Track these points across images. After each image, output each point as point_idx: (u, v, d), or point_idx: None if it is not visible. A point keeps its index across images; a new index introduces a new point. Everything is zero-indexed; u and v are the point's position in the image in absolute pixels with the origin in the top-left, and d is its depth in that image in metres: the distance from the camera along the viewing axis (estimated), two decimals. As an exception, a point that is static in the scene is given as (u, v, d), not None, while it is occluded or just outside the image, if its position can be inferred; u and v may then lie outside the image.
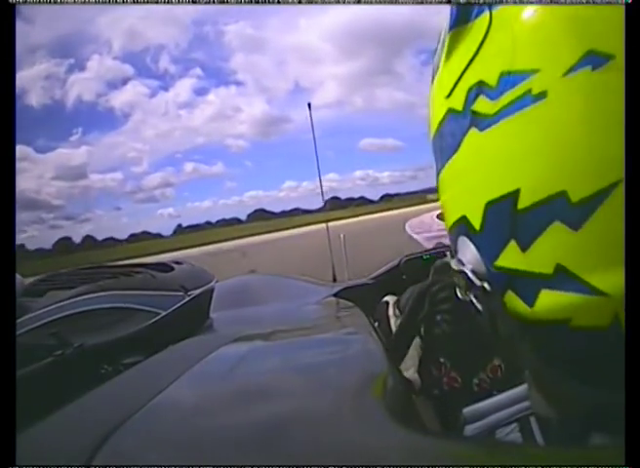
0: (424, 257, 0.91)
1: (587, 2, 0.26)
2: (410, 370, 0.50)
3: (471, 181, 0.29)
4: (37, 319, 0.64)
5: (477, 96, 0.27)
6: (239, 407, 0.31)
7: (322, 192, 2.39)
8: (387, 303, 0.70)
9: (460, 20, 0.29)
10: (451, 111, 0.30)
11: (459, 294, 0.33)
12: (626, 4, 0.24)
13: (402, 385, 0.37)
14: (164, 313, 0.72)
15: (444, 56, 0.32)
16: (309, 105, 2.24)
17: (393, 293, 0.73)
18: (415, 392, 0.47)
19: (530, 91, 0.24)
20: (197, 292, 0.81)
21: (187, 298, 0.77)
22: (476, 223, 0.29)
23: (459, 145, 0.29)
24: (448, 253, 0.43)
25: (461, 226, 0.31)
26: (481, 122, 0.27)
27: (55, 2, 0.29)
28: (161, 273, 0.83)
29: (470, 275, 0.30)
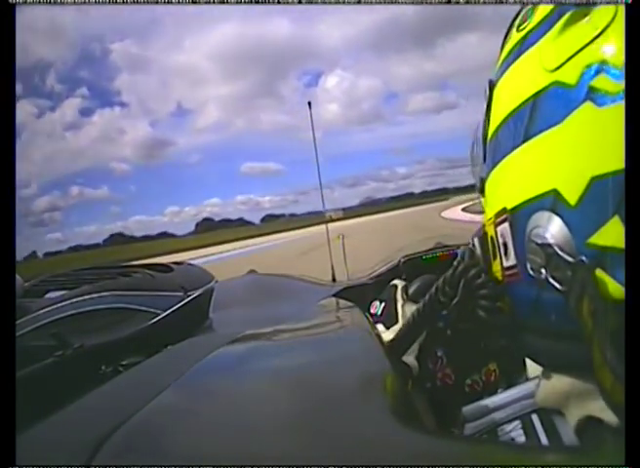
0: (424, 257, 0.91)
1: (587, 2, 0.26)
2: (410, 355, 0.50)
3: (575, 155, 0.29)
4: (37, 320, 0.64)
5: (598, 73, 0.27)
6: (239, 406, 0.31)
7: (322, 197, 2.37)
8: (396, 287, 0.70)
9: (585, 3, 0.30)
10: (558, 83, 0.30)
11: (530, 272, 0.32)
12: (626, 4, 0.24)
13: (399, 370, 0.36)
14: (164, 313, 0.72)
15: (554, 31, 0.32)
16: (310, 104, 2.23)
17: (404, 279, 0.73)
18: (410, 378, 0.47)
19: None
20: (197, 292, 0.81)
21: (187, 299, 0.77)
22: (572, 198, 0.29)
23: (563, 118, 0.29)
24: (475, 240, 0.42)
25: (547, 201, 0.31)
26: (600, 98, 0.27)
27: (55, 2, 0.29)
28: (160, 274, 0.83)
29: (557, 250, 0.30)
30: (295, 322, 0.61)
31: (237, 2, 0.29)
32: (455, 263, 0.44)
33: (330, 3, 0.30)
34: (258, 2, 0.29)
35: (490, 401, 0.39)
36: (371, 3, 0.29)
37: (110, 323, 0.68)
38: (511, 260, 0.36)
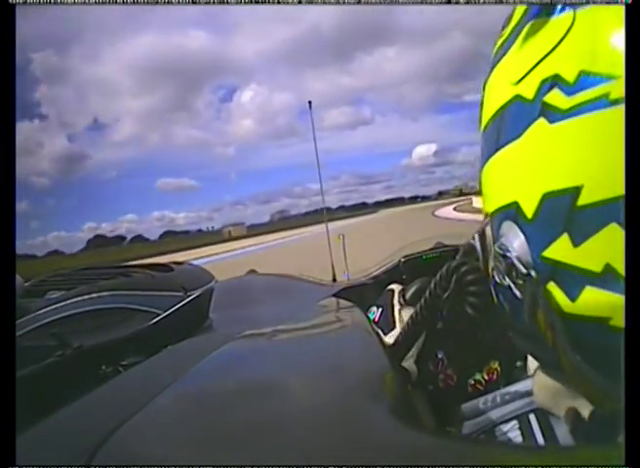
0: (424, 257, 0.91)
1: (587, 2, 0.26)
2: (409, 360, 0.50)
3: (530, 170, 0.29)
4: (37, 320, 0.64)
5: (551, 88, 0.28)
6: (239, 406, 0.31)
7: (322, 197, 2.38)
8: (393, 291, 0.70)
9: (544, 13, 0.29)
10: (519, 98, 0.31)
11: (496, 278, 0.33)
12: (626, 4, 0.24)
13: (399, 375, 0.37)
14: (164, 313, 0.72)
15: (518, 42, 0.32)
16: (310, 104, 2.24)
17: (400, 283, 0.73)
18: (410, 382, 0.47)
19: (608, 94, 0.25)
20: (197, 292, 0.81)
21: (187, 299, 0.77)
22: (529, 212, 0.29)
23: (521, 132, 0.29)
24: (476, 236, 0.42)
25: (510, 212, 0.31)
26: (552, 115, 0.27)
27: (55, 2, 0.29)
28: (161, 273, 0.83)
29: (515, 261, 0.30)
30: (295, 322, 0.61)
31: (237, 2, 0.29)
32: (450, 260, 0.44)
33: (330, 3, 0.30)
34: (257, 2, 0.29)
35: (488, 398, 0.39)
36: (371, 3, 0.29)
37: (110, 323, 0.68)
38: (492, 261, 0.36)
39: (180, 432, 0.27)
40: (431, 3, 0.29)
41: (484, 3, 0.28)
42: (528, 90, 0.30)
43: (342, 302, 0.77)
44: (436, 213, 26.19)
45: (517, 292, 0.31)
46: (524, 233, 0.30)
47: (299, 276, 1.28)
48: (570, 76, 0.27)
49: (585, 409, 0.31)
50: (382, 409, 0.28)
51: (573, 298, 0.27)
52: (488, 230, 0.39)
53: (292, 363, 0.41)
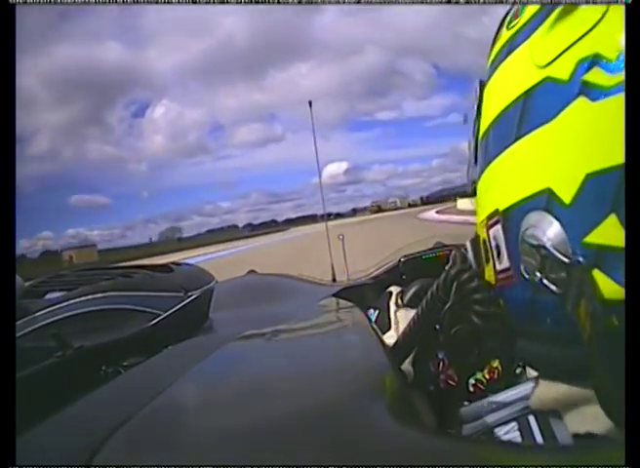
0: (424, 257, 0.90)
1: (587, 2, 0.26)
2: (405, 362, 0.50)
3: (568, 151, 0.28)
4: (37, 320, 0.64)
5: (591, 67, 0.27)
6: (239, 406, 0.31)
7: (322, 199, 2.39)
8: (391, 293, 0.69)
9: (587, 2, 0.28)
10: (550, 79, 0.30)
11: (524, 275, 0.31)
12: (626, 4, 0.24)
13: (396, 378, 0.36)
14: (164, 314, 0.72)
15: (546, 26, 0.31)
16: (310, 103, 2.26)
17: (400, 284, 0.73)
18: (407, 384, 0.47)
19: None
20: (197, 292, 0.80)
21: (187, 299, 0.77)
22: (567, 196, 0.28)
23: (556, 114, 0.28)
24: (468, 243, 0.41)
25: (540, 200, 0.30)
26: (594, 92, 0.26)
27: (55, 2, 0.29)
28: (160, 274, 0.83)
29: (553, 251, 0.28)
30: (295, 322, 0.61)
31: (237, 2, 0.29)
32: (447, 268, 0.43)
33: (330, 3, 0.30)
34: (257, 2, 0.29)
35: (487, 401, 0.39)
36: (371, 3, 0.29)
37: (110, 323, 0.68)
38: (504, 263, 0.35)
39: (180, 432, 0.27)
40: (431, 3, 0.29)
41: (484, 3, 0.28)
42: (562, 71, 0.28)
43: (342, 302, 0.77)
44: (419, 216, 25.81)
45: (553, 286, 0.29)
46: (559, 220, 0.29)
47: (298, 276, 1.28)
48: (612, 54, 0.26)
49: (592, 419, 0.30)
50: (383, 409, 0.28)
51: (620, 282, 0.26)
52: (483, 234, 0.37)
53: (292, 363, 0.41)
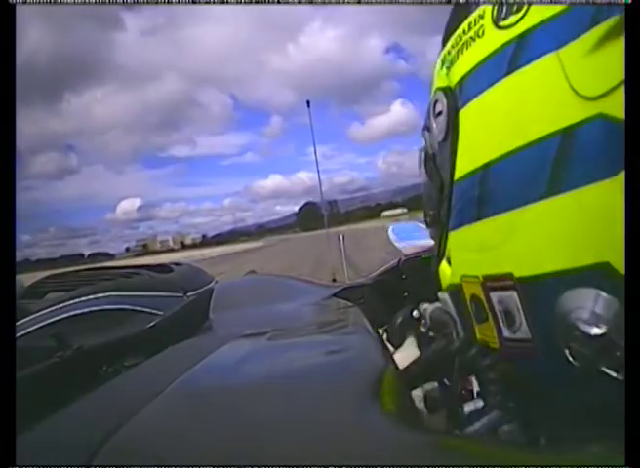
0: (424, 257, 0.91)
1: (587, 2, 0.26)
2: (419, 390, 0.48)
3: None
4: (37, 321, 0.64)
5: None
6: (239, 406, 0.31)
7: (321, 192, 2.40)
8: (410, 317, 0.67)
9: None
10: (603, 117, 0.23)
11: (572, 361, 0.26)
12: (626, 4, 0.24)
13: (396, 378, 0.36)
14: (164, 314, 0.72)
15: (587, 42, 0.24)
16: (308, 103, 2.29)
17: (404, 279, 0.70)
18: (407, 384, 0.46)
19: None
20: (196, 293, 0.81)
21: (187, 300, 0.77)
22: (621, 266, 0.22)
23: (615, 161, 0.23)
24: (446, 297, 0.39)
25: (592, 275, 0.24)
26: None
27: (55, 2, 0.29)
28: (160, 274, 0.83)
29: (615, 339, 0.23)
30: (295, 322, 0.61)
31: (237, 2, 0.29)
32: (438, 342, 0.40)
33: (330, 3, 0.30)
34: (257, 2, 0.29)
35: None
36: (371, 3, 0.29)
37: (110, 324, 0.68)
38: (522, 334, 0.29)
39: (180, 432, 0.27)
40: (431, 3, 0.29)
41: (484, 3, 0.28)
42: (619, 108, 0.22)
43: (342, 302, 0.77)
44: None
45: (610, 373, 0.24)
46: (616, 295, 0.23)
47: (298, 276, 1.28)
48: None
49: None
50: (382, 408, 0.28)
51: None
52: (476, 292, 0.32)
53: (291, 363, 0.41)
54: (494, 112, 0.29)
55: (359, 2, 0.29)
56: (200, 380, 0.38)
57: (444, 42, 0.33)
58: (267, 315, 0.79)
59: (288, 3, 0.29)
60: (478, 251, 0.31)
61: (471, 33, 0.30)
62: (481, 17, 0.29)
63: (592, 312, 0.24)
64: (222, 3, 0.30)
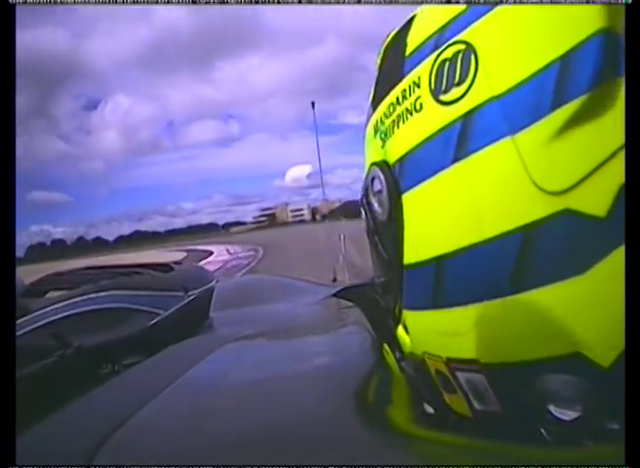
0: None
1: (587, 2, 0.26)
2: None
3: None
4: (37, 319, 0.64)
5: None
6: (239, 406, 0.31)
7: (323, 189, 2.41)
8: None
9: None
10: (570, 212, 0.21)
11: (544, 434, 0.25)
12: (626, 4, 0.24)
13: (396, 378, 0.36)
14: (164, 313, 0.72)
15: (547, 130, 0.21)
16: (313, 104, 2.30)
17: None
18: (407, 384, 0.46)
19: None
20: (197, 292, 0.81)
21: (188, 299, 0.77)
22: (605, 359, 0.22)
23: (590, 265, 0.21)
24: (405, 365, 0.35)
25: (565, 364, 0.23)
26: None
27: (55, 2, 0.29)
28: (161, 273, 0.83)
29: (591, 416, 0.23)
30: (294, 322, 0.61)
31: (237, 2, 0.29)
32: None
33: (330, 3, 0.30)
34: (257, 2, 0.29)
35: None
36: (370, 3, 0.29)
37: (111, 323, 0.68)
38: (494, 407, 0.27)
39: (179, 432, 0.27)
40: (431, 3, 0.29)
41: (484, 3, 0.28)
42: (583, 201, 0.21)
43: (342, 302, 0.77)
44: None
45: (587, 441, 0.24)
46: (597, 387, 0.23)
47: (298, 276, 1.29)
48: None
49: None
50: (382, 408, 0.28)
51: None
52: (439, 367, 0.29)
53: (291, 363, 0.41)
54: (442, 203, 0.25)
55: (359, 2, 0.29)
56: (200, 380, 0.38)
57: (373, 106, 0.31)
58: (267, 315, 0.79)
59: (288, 3, 0.29)
60: (439, 335, 0.28)
61: (407, 104, 0.27)
62: (417, 85, 0.26)
63: (565, 398, 0.23)
64: (222, 3, 0.30)
